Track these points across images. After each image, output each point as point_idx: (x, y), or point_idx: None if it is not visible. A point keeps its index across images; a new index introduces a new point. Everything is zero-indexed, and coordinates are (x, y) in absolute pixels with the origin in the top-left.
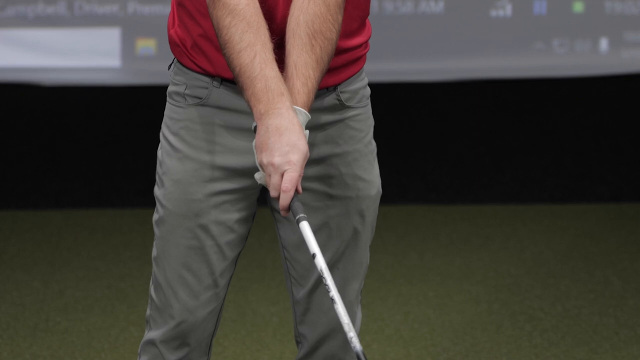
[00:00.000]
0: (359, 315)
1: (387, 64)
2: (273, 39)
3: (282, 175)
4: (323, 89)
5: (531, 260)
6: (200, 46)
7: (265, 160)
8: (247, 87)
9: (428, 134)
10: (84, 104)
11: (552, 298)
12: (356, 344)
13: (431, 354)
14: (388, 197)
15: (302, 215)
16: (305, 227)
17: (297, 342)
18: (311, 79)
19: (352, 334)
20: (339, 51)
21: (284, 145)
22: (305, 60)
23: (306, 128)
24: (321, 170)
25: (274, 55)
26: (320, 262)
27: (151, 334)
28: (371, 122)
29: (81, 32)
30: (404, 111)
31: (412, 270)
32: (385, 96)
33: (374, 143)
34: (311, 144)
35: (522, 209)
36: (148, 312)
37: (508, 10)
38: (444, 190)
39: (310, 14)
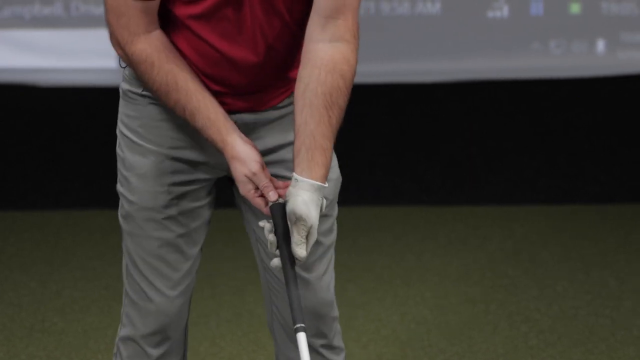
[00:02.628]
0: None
1: (383, 65)
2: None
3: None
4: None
5: (528, 262)
6: None
7: (242, 176)
8: (199, 132)
9: (421, 135)
10: (81, 105)
11: (549, 299)
12: None
13: (428, 354)
14: (383, 198)
15: (300, 325)
16: (302, 339)
17: (271, 331)
18: (328, 151)
19: None
20: (288, 81)
21: (244, 163)
22: (322, 132)
23: (264, 124)
24: (280, 156)
25: (198, 93)
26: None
27: (128, 330)
28: None
29: (78, 33)
30: (399, 112)
31: (409, 271)
32: (381, 97)
33: None
34: (266, 136)
35: (518, 209)
36: (123, 308)
37: (505, 11)
38: (438, 191)
39: (328, 86)
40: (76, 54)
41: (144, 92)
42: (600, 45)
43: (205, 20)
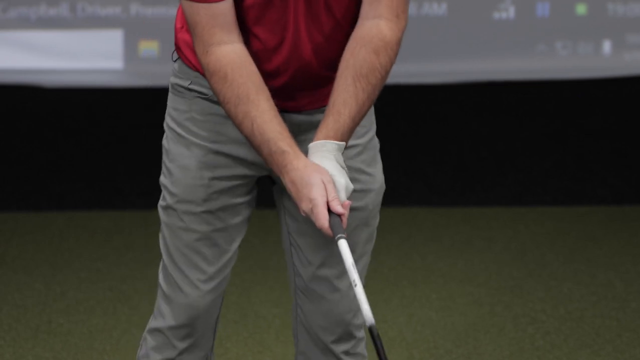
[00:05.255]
0: (361, 317)
1: None
2: (272, 82)
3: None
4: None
5: (533, 263)
6: None
7: (302, 211)
8: (258, 151)
9: (430, 136)
10: (86, 106)
11: (555, 300)
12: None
13: (434, 356)
14: (391, 199)
15: (341, 234)
16: (343, 245)
17: (294, 336)
18: (344, 115)
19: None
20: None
21: (301, 192)
22: (344, 99)
23: (308, 126)
24: None
25: (270, 108)
26: (354, 274)
27: (158, 322)
28: (373, 119)
29: (84, 34)
30: (406, 113)
31: (415, 272)
32: (388, 98)
33: (377, 140)
34: (310, 138)
35: (525, 211)
36: (156, 301)
37: (511, 12)
38: (446, 192)
39: (359, 59)
40: (82, 55)
41: (191, 86)
42: (607, 46)
43: (253, 13)
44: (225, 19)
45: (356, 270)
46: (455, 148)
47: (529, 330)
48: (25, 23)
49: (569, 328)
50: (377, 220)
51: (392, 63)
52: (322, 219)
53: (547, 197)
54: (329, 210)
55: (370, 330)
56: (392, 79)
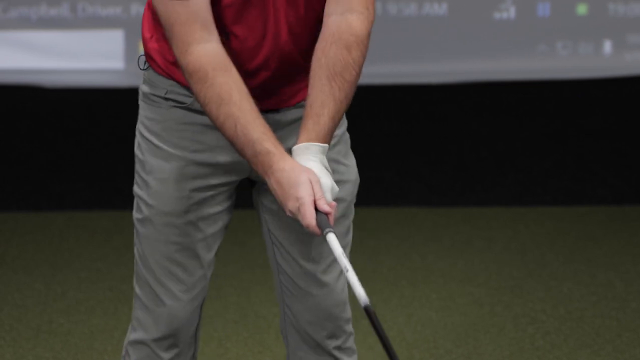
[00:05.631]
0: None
1: (389, 66)
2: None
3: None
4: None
5: (533, 263)
6: None
7: (287, 212)
8: (241, 152)
9: (430, 136)
10: (87, 106)
11: (555, 300)
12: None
13: (434, 356)
14: (389, 199)
15: (329, 229)
16: (332, 238)
17: (284, 337)
18: (323, 117)
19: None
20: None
21: (287, 192)
22: (322, 100)
23: (288, 124)
24: None
25: (252, 108)
26: (345, 261)
27: (139, 334)
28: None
29: (84, 34)
30: (406, 113)
31: (414, 272)
32: (388, 98)
33: (347, 134)
34: (287, 136)
35: (524, 211)
36: (133, 312)
37: (512, 12)
38: (445, 192)
39: (331, 57)
40: (82, 55)
41: (167, 96)
42: (607, 46)
43: (231, 12)
44: (203, 15)
45: (346, 257)
46: (455, 148)
47: (529, 330)
48: (26, 23)
49: (569, 328)
50: (353, 212)
51: (364, 57)
52: (309, 217)
53: (547, 197)
54: (316, 209)
55: (366, 310)
56: (391, 79)
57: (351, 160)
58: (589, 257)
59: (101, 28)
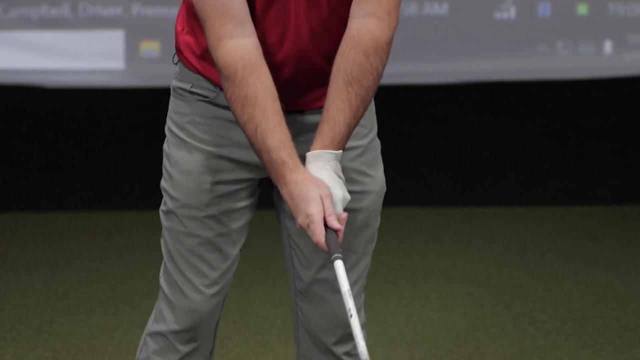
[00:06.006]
0: (363, 317)
1: (389, 66)
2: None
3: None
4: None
5: (533, 263)
6: (208, 59)
7: (297, 225)
8: (258, 155)
9: (430, 136)
10: (87, 106)
11: (555, 300)
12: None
13: (434, 356)
14: (390, 199)
15: (337, 255)
16: (339, 267)
17: (296, 338)
18: (339, 123)
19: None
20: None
21: (298, 206)
22: (337, 106)
23: (313, 127)
24: None
25: (276, 112)
26: (350, 302)
27: (159, 326)
28: (374, 120)
29: (85, 34)
30: (406, 113)
31: (414, 272)
32: (388, 98)
33: (378, 141)
34: (311, 140)
35: (525, 211)
36: (156, 304)
37: (512, 12)
38: (445, 192)
39: (349, 62)
40: (83, 56)
41: (193, 89)
42: (608, 46)
43: (259, 8)
44: (237, 9)
45: (352, 298)
46: (456, 148)
47: (530, 331)
48: (27, 23)
49: (569, 328)
50: (378, 221)
51: (383, 64)
52: (319, 235)
53: (547, 197)
54: (326, 226)
55: None
56: (392, 79)
57: (378, 171)
58: (589, 257)
59: (102, 28)
